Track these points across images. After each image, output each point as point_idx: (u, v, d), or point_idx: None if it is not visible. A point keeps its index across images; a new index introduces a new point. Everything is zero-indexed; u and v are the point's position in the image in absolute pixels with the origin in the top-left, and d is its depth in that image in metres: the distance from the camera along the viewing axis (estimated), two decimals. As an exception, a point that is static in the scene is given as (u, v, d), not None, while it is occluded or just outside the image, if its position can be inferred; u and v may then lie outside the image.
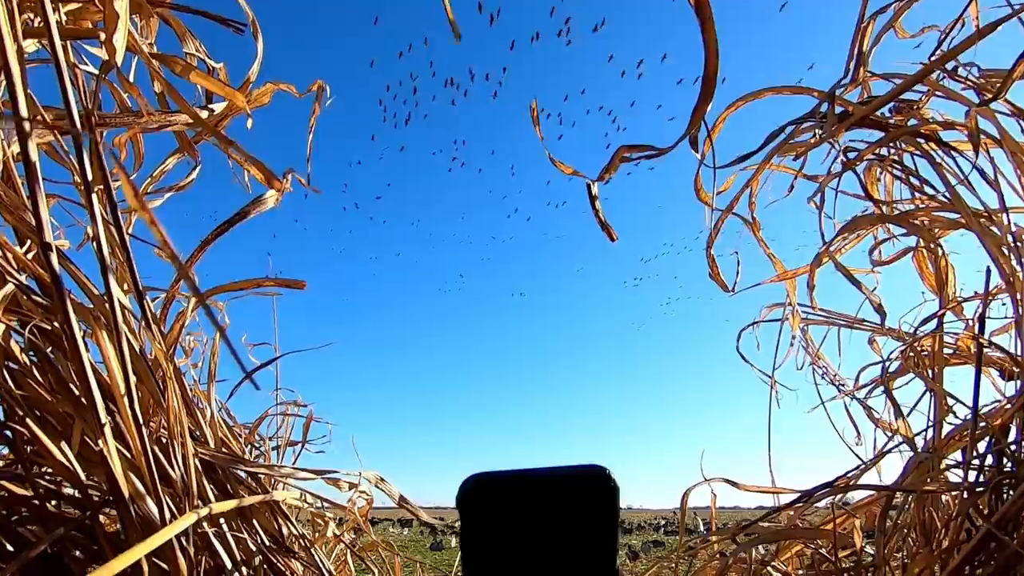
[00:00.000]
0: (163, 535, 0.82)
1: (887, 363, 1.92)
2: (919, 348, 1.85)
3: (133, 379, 1.07)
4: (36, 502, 1.04)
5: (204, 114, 1.70)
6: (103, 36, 1.13)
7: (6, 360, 1.02)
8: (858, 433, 2.01)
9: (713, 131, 2.10)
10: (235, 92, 1.38)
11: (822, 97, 1.72)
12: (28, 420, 1.00)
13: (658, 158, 1.31)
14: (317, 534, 1.47)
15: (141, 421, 1.04)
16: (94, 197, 1.00)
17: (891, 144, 1.86)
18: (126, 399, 1.07)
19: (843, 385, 2.22)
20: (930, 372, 1.80)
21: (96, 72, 1.24)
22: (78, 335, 1.00)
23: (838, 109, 1.71)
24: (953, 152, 1.69)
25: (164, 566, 1.14)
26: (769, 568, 1.72)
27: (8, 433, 1.03)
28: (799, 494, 1.67)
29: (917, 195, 1.84)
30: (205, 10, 1.38)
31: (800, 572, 1.69)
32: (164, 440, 1.16)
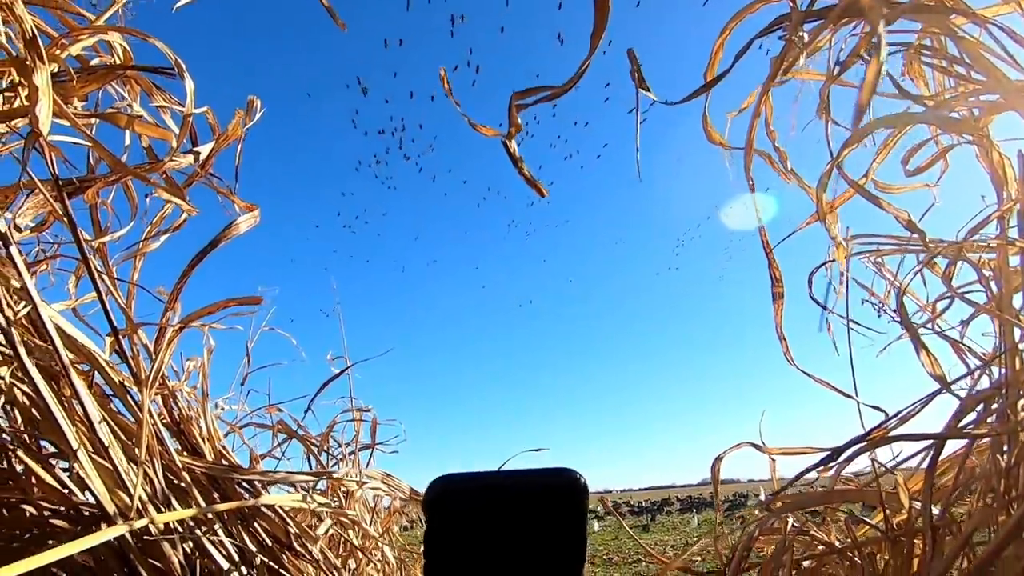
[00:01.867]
0: (83, 543, 0.91)
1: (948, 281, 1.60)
2: (979, 261, 1.53)
3: (96, 415, 1.20)
4: (39, 520, 1.21)
5: (190, 157, 1.86)
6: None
7: None
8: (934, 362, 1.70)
9: (712, 64, 1.90)
10: (168, 133, 1.48)
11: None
12: (20, 451, 1.17)
13: (560, 98, 1.20)
14: (319, 533, 1.55)
15: (107, 446, 1.17)
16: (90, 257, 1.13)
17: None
18: (101, 427, 1.20)
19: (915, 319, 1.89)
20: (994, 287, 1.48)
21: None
22: (43, 389, 1.14)
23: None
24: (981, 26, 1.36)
25: (159, 565, 1.27)
26: (807, 537, 1.52)
27: (6, 464, 1.21)
28: (828, 452, 1.45)
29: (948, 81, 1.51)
30: (135, 65, 1.50)
31: (841, 539, 1.48)
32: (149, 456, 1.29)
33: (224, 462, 1.52)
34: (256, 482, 1.50)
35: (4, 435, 1.21)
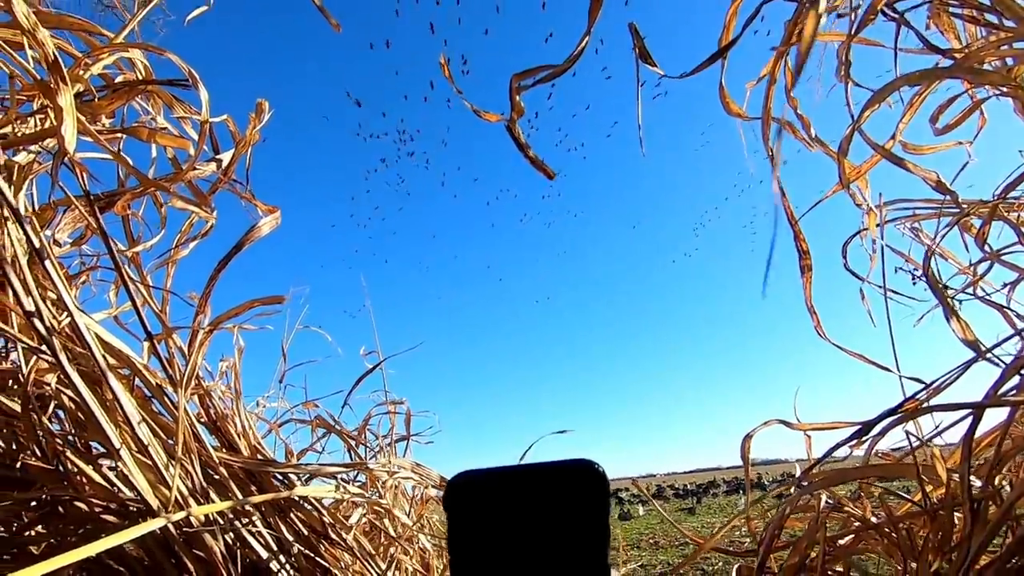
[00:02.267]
0: (124, 535, 0.96)
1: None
2: (1018, 220, 1.45)
3: (136, 416, 1.26)
4: (92, 516, 1.29)
5: (212, 165, 1.93)
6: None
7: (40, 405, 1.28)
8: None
9: (726, 30, 1.85)
10: (186, 142, 1.54)
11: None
12: (68, 453, 1.24)
13: (560, 77, 1.18)
14: (351, 522, 1.60)
15: (147, 445, 1.24)
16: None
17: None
18: (141, 427, 1.27)
19: (947, 285, 1.81)
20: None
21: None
22: (86, 393, 1.21)
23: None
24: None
25: (203, 555, 1.34)
26: (843, 513, 1.49)
27: (60, 467, 1.29)
28: (859, 426, 1.41)
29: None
30: (153, 80, 1.56)
31: (877, 515, 1.44)
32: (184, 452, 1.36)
33: (259, 457, 1.59)
34: (290, 475, 1.55)
35: (55, 438, 1.29)
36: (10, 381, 1.38)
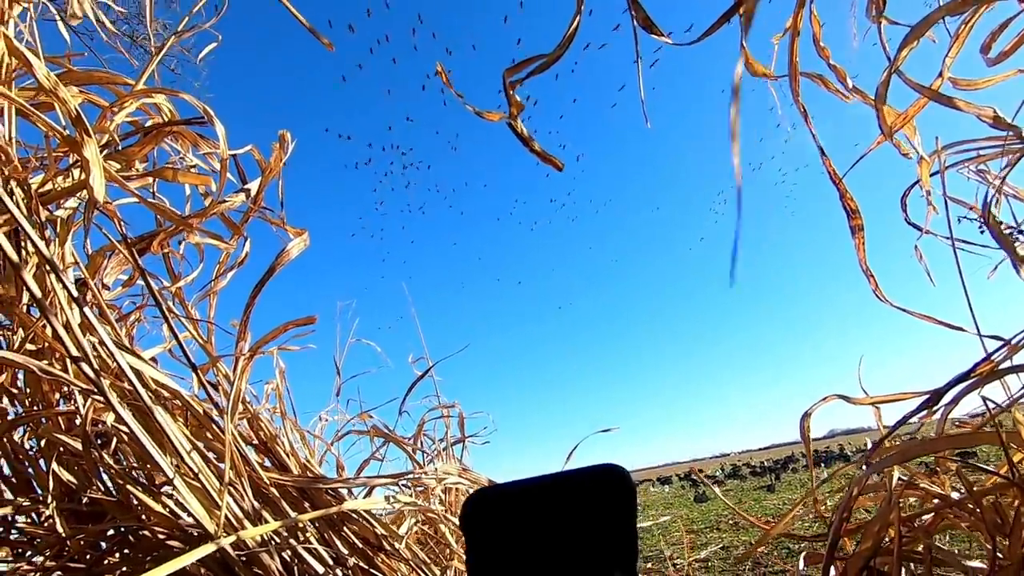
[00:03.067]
0: (176, 563, 1.00)
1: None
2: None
3: (187, 445, 1.32)
4: (159, 544, 1.36)
5: (242, 196, 1.99)
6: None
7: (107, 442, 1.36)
8: None
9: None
10: (207, 179, 1.59)
11: None
12: (128, 486, 1.31)
13: (555, 64, 1.13)
14: (402, 531, 1.61)
15: (196, 472, 1.29)
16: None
17: None
18: (192, 456, 1.32)
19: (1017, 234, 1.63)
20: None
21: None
22: (135, 428, 1.27)
23: None
24: None
25: (261, 573, 1.38)
26: (920, 490, 1.37)
27: (123, 500, 1.36)
28: (927, 394, 1.29)
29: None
30: (172, 121, 1.62)
31: (958, 490, 1.31)
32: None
33: (309, 474, 1.63)
34: (340, 489, 1.58)
35: (117, 472, 1.37)
36: (76, 421, 1.46)
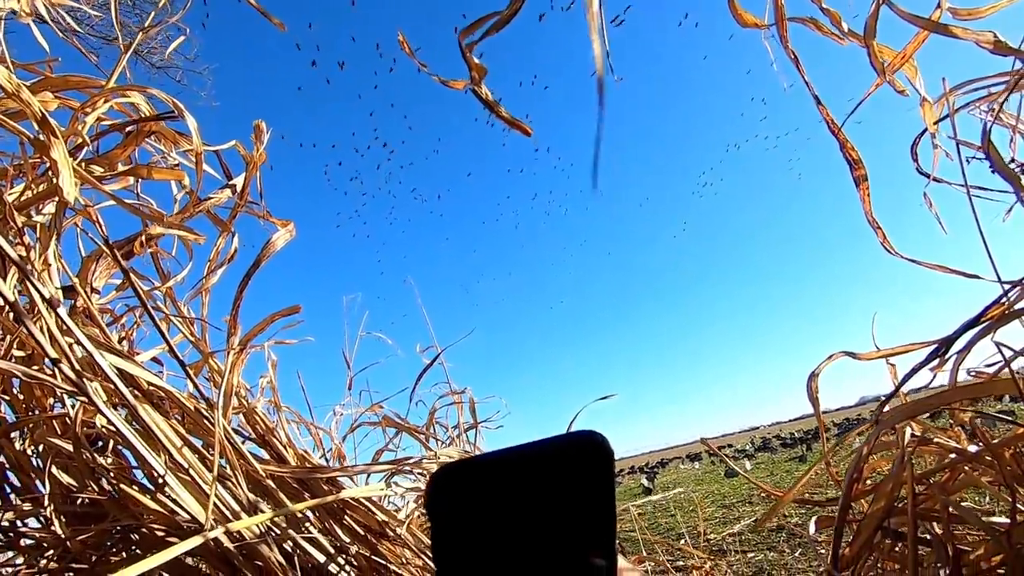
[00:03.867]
0: (170, 552, 0.99)
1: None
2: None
3: (177, 442, 1.31)
4: (158, 541, 1.36)
5: (227, 192, 1.98)
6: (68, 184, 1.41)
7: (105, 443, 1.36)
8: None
9: None
10: (180, 174, 1.57)
11: None
12: (122, 484, 1.31)
13: (508, 25, 1.07)
14: (401, 517, 1.59)
15: (187, 467, 1.28)
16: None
17: None
18: (183, 452, 1.32)
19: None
20: None
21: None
22: (123, 428, 1.27)
23: None
24: None
25: (262, 564, 1.38)
26: (934, 446, 1.30)
27: (118, 499, 1.36)
28: (935, 344, 1.22)
29: None
30: (144, 118, 1.60)
31: (975, 443, 1.24)
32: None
33: (307, 465, 1.61)
34: (338, 478, 1.57)
35: (110, 472, 1.37)
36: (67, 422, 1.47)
